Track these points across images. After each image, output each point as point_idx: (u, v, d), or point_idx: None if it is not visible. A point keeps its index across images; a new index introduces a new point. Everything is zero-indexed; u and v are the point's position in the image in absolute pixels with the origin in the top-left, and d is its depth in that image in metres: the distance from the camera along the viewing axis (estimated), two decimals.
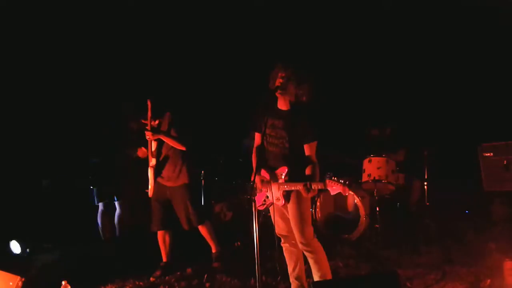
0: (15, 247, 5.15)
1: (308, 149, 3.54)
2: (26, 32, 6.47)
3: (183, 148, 4.63)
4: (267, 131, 3.61)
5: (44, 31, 6.56)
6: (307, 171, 3.44)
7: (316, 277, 3.60)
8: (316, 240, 3.63)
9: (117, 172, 5.67)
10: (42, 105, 6.69)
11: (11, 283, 3.91)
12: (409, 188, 6.10)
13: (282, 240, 3.78)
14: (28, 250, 5.26)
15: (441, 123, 7.15)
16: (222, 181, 7.03)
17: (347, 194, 3.37)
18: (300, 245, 3.60)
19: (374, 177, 5.55)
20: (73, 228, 5.99)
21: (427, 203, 5.94)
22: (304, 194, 3.37)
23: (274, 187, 3.54)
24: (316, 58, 6.65)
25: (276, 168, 3.57)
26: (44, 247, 5.69)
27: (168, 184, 4.69)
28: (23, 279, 3.98)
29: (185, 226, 4.73)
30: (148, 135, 4.60)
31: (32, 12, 6.43)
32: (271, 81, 3.58)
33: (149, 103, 4.61)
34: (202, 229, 4.78)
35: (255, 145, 3.79)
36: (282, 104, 3.62)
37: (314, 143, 3.55)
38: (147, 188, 4.74)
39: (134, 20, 7.08)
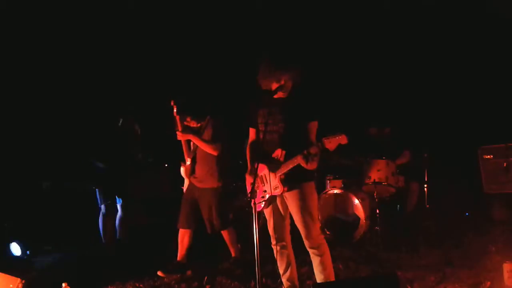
0: (16, 249, 5.15)
1: (308, 130, 3.44)
2: (28, 32, 6.48)
3: (213, 153, 4.64)
4: (263, 120, 3.52)
5: (48, 32, 6.57)
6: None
7: (319, 278, 3.54)
8: (322, 237, 3.54)
9: (120, 173, 5.68)
10: (42, 107, 6.70)
11: (11, 285, 3.91)
12: (409, 190, 6.11)
13: (274, 241, 3.67)
14: (28, 252, 5.27)
15: (441, 126, 7.15)
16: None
17: (347, 141, 3.17)
18: (305, 242, 3.52)
19: (374, 180, 5.56)
20: (73, 230, 5.99)
21: (427, 205, 5.94)
22: (304, 165, 3.23)
23: (271, 176, 3.45)
24: (316, 58, 6.66)
25: (271, 155, 3.47)
26: (44, 249, 5.71)
27: (198, 185, 4.75)
28: (23, 281, 3.98)
29: (208, 229, 4.78)
30: (178, 135, 4.69)
31: (40, 11, 6.44)
32: (263, 82, 3.52)
33: (173, 104, 4.66)
34: (225, 234, 4.86)
35: (249, 141, 3.74)
36: (280, 94, 3.55)
37: (314, 123, 3.46)
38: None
39: (135, 22, 7.10)
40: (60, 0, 6.53)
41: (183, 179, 4.97)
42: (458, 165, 6.55)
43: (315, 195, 3.57)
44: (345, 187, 5.80)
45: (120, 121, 5.72)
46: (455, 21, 7.09)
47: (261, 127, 3.55)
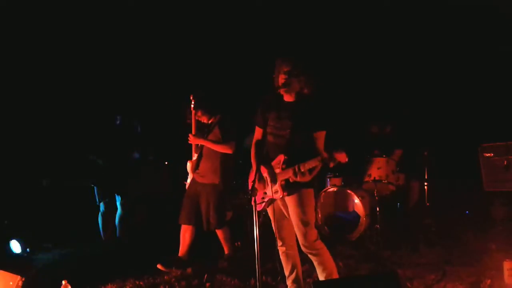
0: (16, 246, 5.16)
1: (315, 139, 3.44)
2: (27, 31, 6.47)
3: (229, 151, 4.66)
4: (272, 123, 3.53)
5: (45, 29, 6.56)
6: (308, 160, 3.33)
7: (321, 278, 3.54)
8: (319, 242, 3.53)
9: (119, 171, 5.67)
10: (41, 104, 6.69)
11: (11, 283, 3.91)
12: (409, 189, 6.11)
13: (279, 243, 3.68)
14: (28, 249, 5.27)
15: (442, 123, 7.15)
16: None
17: (346, 160, 3.25)
18: (302, 248, 3.53)
19: (374, 177, 5.55)
20: (73, 228, 5.99)
21: (427, 203, 5.94)
22: (292, 178, 3.32)
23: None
24: (317, 56, 6.64)
25: (274, 159, 3.48)
26: (44, 246, 5.71)
27: (200, 180, 4.76)
28: (23, 279, 3.97)
29: (204, 226, 4.77)
30: (190, 138, 4.72)
31: (37, 11, 6.43)
32: (275, 79, 3.53)
33: (192, 98, 4.67)
34: (219, 233, 4.85)
35: (254, 140, 3.71)
36: (288, 97, 3.56)
37: (322, 133, 3.46)
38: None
39: (135, 21, 7.09)
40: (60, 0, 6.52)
41: (183, 177, 4.98)
42: (459, 163, 6.55)
43: (313, 202, 3.55)
44: (345, 185, 5.80)
45: (118, 119, 5.72)
46: (456, 20, 7.08)
47: (269, 130, 3.55)
